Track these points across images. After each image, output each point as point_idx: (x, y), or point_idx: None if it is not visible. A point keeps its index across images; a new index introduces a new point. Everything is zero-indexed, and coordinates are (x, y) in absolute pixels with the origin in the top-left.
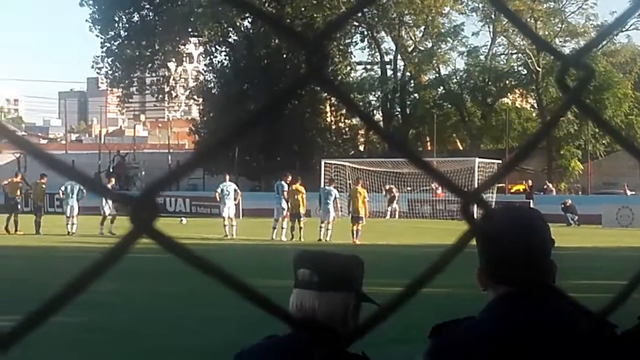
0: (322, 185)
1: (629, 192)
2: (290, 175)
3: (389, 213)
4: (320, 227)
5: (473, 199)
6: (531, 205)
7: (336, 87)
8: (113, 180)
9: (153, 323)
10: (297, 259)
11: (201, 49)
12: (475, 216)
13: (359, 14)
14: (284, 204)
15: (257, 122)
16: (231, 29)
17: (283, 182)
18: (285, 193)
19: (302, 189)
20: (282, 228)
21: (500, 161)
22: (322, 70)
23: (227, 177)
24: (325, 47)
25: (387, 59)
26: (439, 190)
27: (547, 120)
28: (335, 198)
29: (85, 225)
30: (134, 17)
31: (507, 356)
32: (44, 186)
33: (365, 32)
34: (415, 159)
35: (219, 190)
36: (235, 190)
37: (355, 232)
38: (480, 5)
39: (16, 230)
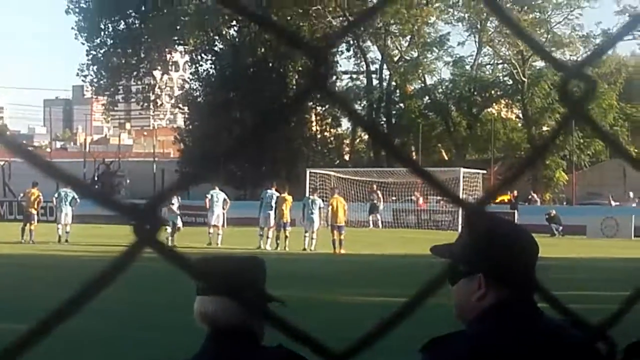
0: (306, 195)
1: (613, 203)
2: (275, 184)
3: (371, 222)
4: (305, 236)
5: (475, 211)
6: (516, 216)
7: (342, 99)
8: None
9: (133, 331)
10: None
11: (187, 57)
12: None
13: (345, 23)
14: (273, 213)
15: (263, 132)
16: (217, 38)
17: (274, 191)
18: (275, 202)
19: (289, 198)
20: (268, 237)
21: (485, 171)
22: (327, 81)
23: (217, 187)
24: (331, 58)
25: (372, 68)
26: (420, 200)
27: (550, 134)
28: (319, 207)
29: (76, 234)
30: (120, 25)
31: None
32: (37, 194)
33: (351, 42)
34: (418, 169)
35: (209, 196)
36: (224, 200)
37: (339, 242)
38: (466, 15)
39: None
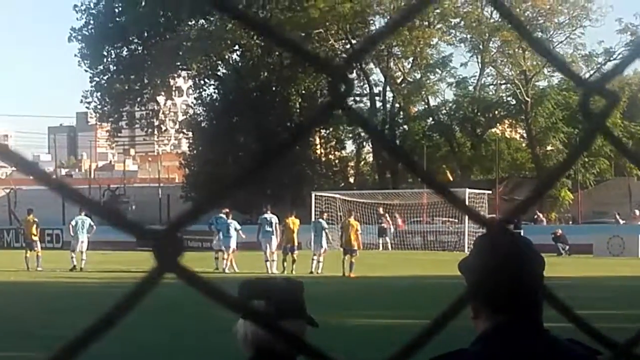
0: (312, 218)
1: (621, 221)
2: (269, 207)
3: (381, 245)
4: (313, 259)
5: (499, 230)
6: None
7: (362, 117)
8: (227, 210)
9: (151, 356)
10: (246, 289)
11: (190, 83)
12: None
13: (348, 46)
14: (274, 237)
15: (280, 154)
16: (220, 62)
17: (271, 214)
18: (277, 226)
19: (296, 221)
20: (273, 261)
21: (490, 191)
22: (346, 100)
23: (226, 211)
24: (351, 76)
25: (376, 90)
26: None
27: (573, 149)
28: (326, 230)
29: (90, 261)
30: (123, 51)
31: None
32: (35, 221)
33: (354, 64)
34: (444, 191)
35: (211, 220)
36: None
37: (350, 265)
38: (469, 36)
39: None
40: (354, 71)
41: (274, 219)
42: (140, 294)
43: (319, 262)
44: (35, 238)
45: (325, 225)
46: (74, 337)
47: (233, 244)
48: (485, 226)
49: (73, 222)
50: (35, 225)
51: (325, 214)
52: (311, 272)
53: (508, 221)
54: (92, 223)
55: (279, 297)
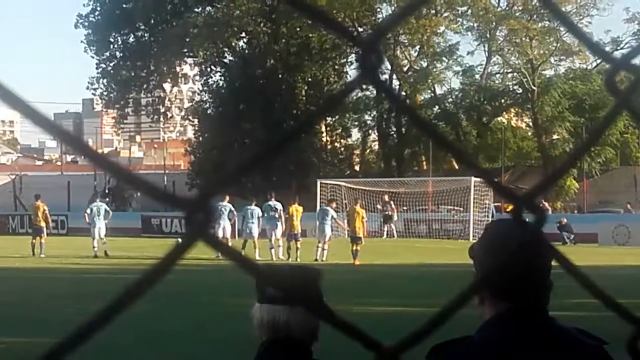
0: (318, 205)
1: (633, 211)
2: (274, 194)
3: (385, 233)
4: (317, 246)
5: (525, 203)
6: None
7: (390, 90)
8: (227, 197)
9: (147, 342)
10: (262, 274)
11: (196, 70)
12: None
13: (355, 33)
14: (279, 223)
15: (312, 123)
16: (226, 50)
17: (275, 202)
18: (282, 213)
19: (300, 208)
20: (279, 247)
21: (495, 180)
22: (376, 72)
23: (227, 197)
24: (381, 48)
25: (382, 78)
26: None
27: (598, 125)
28: (332, 217)
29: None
30: (129, 38)
31: None
32: (43, 207)
33: (360, 52)
34: (473, 165)
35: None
36: (231, 211)
37: (355, 253)
38: (475, 24)
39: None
40: (361, 60)
41: (279, 206)
42: (170, 263)
43: (323, 249)
44: (42, 224)
45: (333, 213)
46: (114, 299)
47: (257, 230)
48: (516, 201)
49: (88, 210)
50: (43, 212)
51: (334, 203)
52: (316, 260)
53: (534, 195)
54: (107, 209)
55: (296, 283)
